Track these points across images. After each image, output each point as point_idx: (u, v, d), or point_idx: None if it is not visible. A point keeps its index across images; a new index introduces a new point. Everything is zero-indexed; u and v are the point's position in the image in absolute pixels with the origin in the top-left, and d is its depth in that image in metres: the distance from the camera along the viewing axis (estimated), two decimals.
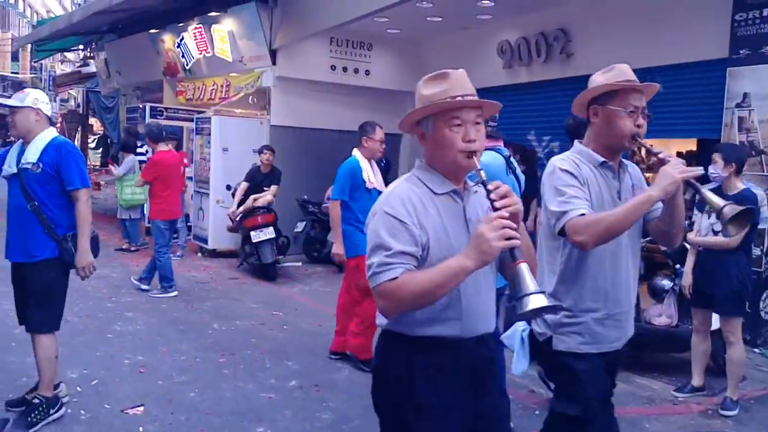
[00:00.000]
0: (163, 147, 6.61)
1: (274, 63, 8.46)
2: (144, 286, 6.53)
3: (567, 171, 2.08)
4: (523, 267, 1.54)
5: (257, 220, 7.47)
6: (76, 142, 22.27)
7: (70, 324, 4.99)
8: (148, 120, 10.29)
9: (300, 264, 8.53)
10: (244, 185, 7.72)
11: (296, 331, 5.52)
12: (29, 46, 17.73)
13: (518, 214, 1.60)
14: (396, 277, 1.59)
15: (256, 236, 7.40)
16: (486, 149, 3.50)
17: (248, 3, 8.34)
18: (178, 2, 9.27)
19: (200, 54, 9.74)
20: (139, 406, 3.67)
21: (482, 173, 1.64)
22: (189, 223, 9.11)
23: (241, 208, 7.60)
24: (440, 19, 7.60)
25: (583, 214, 1.98)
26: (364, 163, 4.55)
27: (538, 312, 1.54)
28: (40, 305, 3.29)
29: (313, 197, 8.39)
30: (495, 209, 1.57)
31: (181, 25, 9.90)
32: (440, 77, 1.69)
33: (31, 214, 3.26)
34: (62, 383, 3.61)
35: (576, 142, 2.22)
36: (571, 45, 6.81)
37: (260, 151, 7.72)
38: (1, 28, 29.68)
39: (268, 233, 7.44)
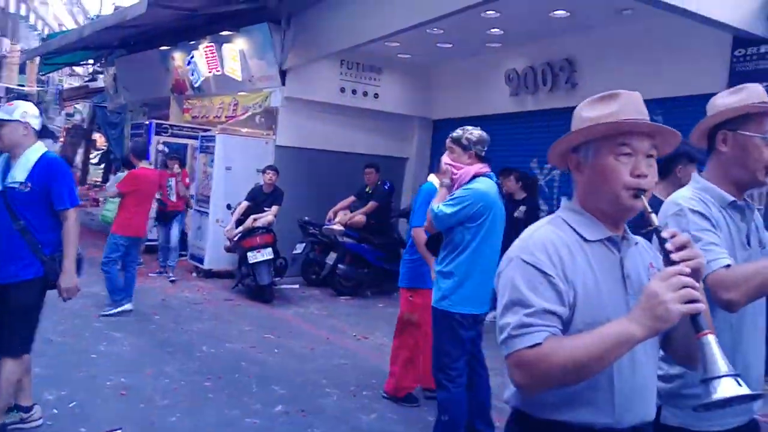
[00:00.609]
0: (145, 164, 6.63)
1: (283, 83, 8.44)
2: (126, 306, 6.30)
3: (699, 213, 1.73)
4: (711, 339, 1.24)
5: (256, 241, 7.35)
6: (78, 158, 22.35)
7: (53, 344, 4.87)
8: (153, 137, 10.32)
9: (297, 286, 8.39)
10: (244, 204, 7.63)
11: (287, 355, 5.35)
12: (37, 58, 17.85)
13: (701, 269, 1.30)
14: (539, 343, 1.28)
15: (254, 257, 7.27)
16: (479, 175, 3.44)
17: (260, 23, 8.37)
18: (191, 20, 9.30)
19: (210, 72, 9.75)
20: (117, 429, 3.51)
21: (653, 217, 1.36)
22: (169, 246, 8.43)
23: (240, 228, 7.50)
24: (450, 45, 7.60)
25: (728, 265, 1.63)
26: None
27: (732, 402, 1.22)
28: (19, 327, 3.15)
29: (315, 219, 8.29)
30: (671, 263, 1.27)
31: (192, 43, 9.94)
32: (609, 97, 1.44)
33: (18, 233, 3.12)
34: (36, 405, 3.45)
35: (697, 176, 1.89)
36: (576, 75, 6.82)
37: (263, 171, 7.67)
38: (11, 39, 30.04)
39: (266, 254, 7.31)
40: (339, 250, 7.91)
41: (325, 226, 7.89)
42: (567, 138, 1.45)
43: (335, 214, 8.05)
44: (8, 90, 28.63)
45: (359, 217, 7.88)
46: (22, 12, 32.44)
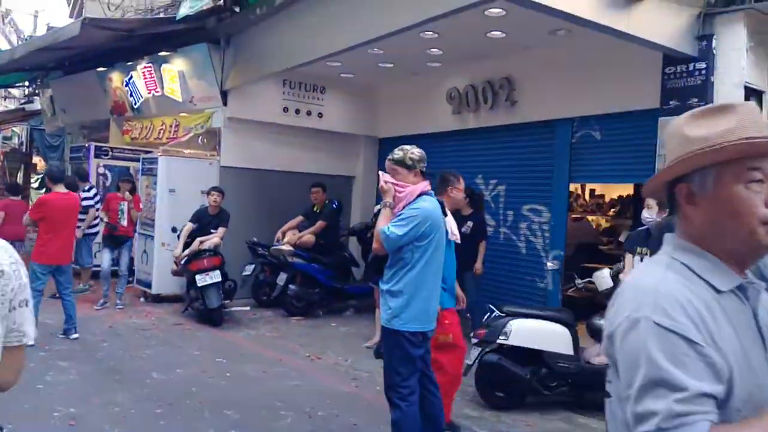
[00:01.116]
0: (60, 189, 6.18)
1: (225, 104, 8.40)
2: (73, 336, 6.19)
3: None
4: None
5: (203, 264, 7.26)
6: (18, 181, 21.46)
7: None
8: (93, 160, 10.05)
9: (248, 308, 8.30)
10: (190, 226, 7.55)
11: (239, 378, 5.31)
12: None
13: None
14: None
15: (202, 280, 7.18)
16: (424, 193, 3.53)
17: (199, 44, 8.32)
18: (128, 41, 9.14)
19: (149, 93, 9.59)
20: None
21: None
22: (118, 271, 8.15)
23: (187, 251, 7.40)
24: (391, 65, 7.75)
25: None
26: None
27: None
28: None
29: (263, 239, 8.25)
30: None
31: (130, 63, 9.76)
32: (721, 111, 1.16)
33: None
34: None
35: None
36: (515, 93, 7.03)
37: (208, 192, 7.61)
38: None
39: (215, 277, 7.23)
40: (289, 271, 7.89)
41: (274, 247, 7.87)
42: (679, 165, 1.16)
43: (284, 234, 8.04)
44: None
45: (308, 236, 7.89)
46: None
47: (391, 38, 5.68)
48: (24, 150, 22.48)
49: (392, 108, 9.07)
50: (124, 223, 7.93)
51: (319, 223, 7.98)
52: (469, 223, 6.32)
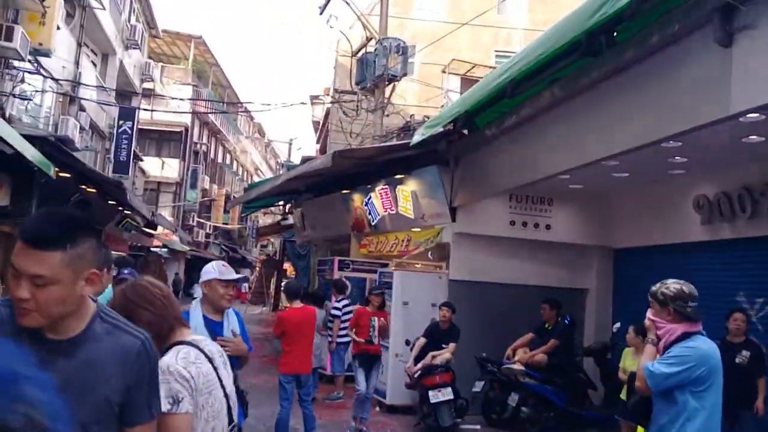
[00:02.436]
0: (296, 304, 6.57)
1: (453, 220, 8.72)
2: None
3: None
4: None
5: (435, 380, 7.32)
6: (272, 285, 24.62)
7: None
8: (336, 272, 11.05)
9: (479, 427, 8.05)
10: (422, 341, 7.72)
11: None
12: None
13: None
14: None
15: (434, 396, 7.22)
16: (689, 334, 3.11)
17: (430, 166, 8.89)
18: (367, 167, 10.18)
19: (385, 211, 10.42)
20: None
21: None
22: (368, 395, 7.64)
23: (419, 365, 7.55)
24: (627, 174, 7.36)
25: None
26: None
27: None
28: None
29: (492, 355, 8.08)
30: None
31: (369, 186, 10.80)
32: None
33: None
34: None
35: None
36: None
37: (440, 307, 7.79)
38: (218, 185, 35.00)
39: (447, 394, 7.23)
40: (521, 391, 7.55)
41: (505, 365, 7.64)
42: None
43: (514, 351, 7.80)
44: (215, 228, 33.10)
45: (540, 356, 7.54)
46: (227, 161, 37.85)
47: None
48: (277, 258, 25.92)
49: (628, 217, 8.53)
50: (376, 340, 7.53)
51: (551, 342, 7.60)
52: (745, 353, 5.40)
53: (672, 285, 3.20)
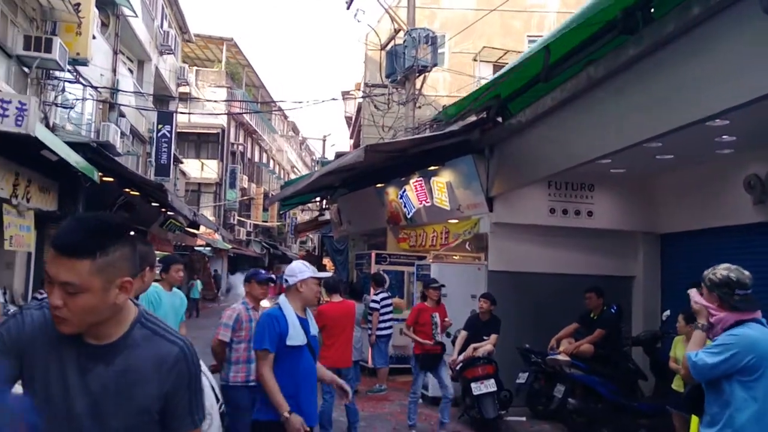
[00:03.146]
0: (335, 298, 6.65)
1: (491, 210, 8.56)
2: None
3: None
4: None
5: (477, 371, 7.23)
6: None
7: None
8: (373, 265, 11.04)
9: (524, 419, 7.92)
10: (464, 334, 7.62)
11: None
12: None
13: None
14: None
15: (477, 389, 7.13)
16: (741, 322, 2.92)
17: (465, 156, 8.74)
18: (400, 160, 10.09)
19: (420, 204, 10.32)
20: None
21: None
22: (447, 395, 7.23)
23: (461, 357, 7.46)
24: (671, 156, 7.07)
25: None
26: None
27: None
28: None
29: (535, 346, 7.92)
30: None
31: (403, 179, 10.71)
32: None
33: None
34: None
35: None
36: None
37: (479, 299, 7.67)
38: (256, 184, 35.48)
39: (490, 386, 7.13)
40: (567, 382, 7.37)
41: (549, 356, 7.47)
42: None
43: (558, 341, 7.62)
44: (255, 225, 33.60)
45: (586, 346, 7.33)
46: (264, 160, 38.29)
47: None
48: (316, 253, 26.12)
49: (673, 200, 8.19)
50: (439, 337, 7.14)
51: (598, 332, 7.37)
52: None
53: (720, 271, 3.01)
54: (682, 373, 3.13)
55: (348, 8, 13.72)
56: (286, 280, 3.69)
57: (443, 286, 7.49)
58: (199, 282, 22.04)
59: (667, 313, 6.85)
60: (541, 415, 7.89)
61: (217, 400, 2.71)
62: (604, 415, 7.27)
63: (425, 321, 7.13)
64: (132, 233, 1.69)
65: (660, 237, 8.70)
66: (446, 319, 7.35)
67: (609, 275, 8.55)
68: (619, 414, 7.30)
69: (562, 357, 7.32)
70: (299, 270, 3.68)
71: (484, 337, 7.49)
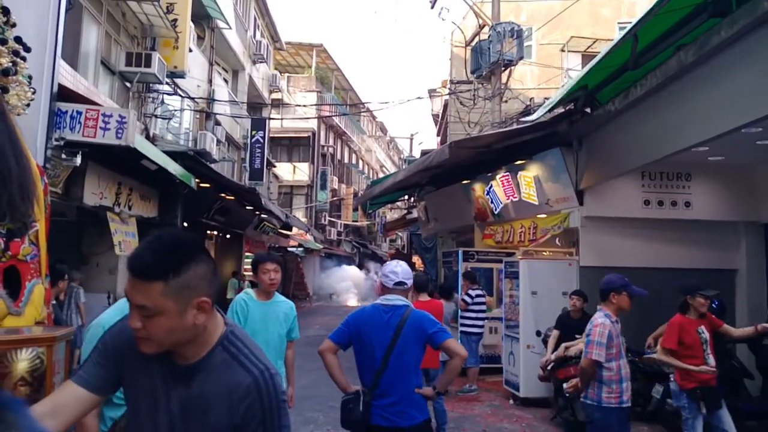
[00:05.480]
0: (423, 297, 6.65)
1: (581, 203, 8.33)
2: None
3: None
4: None
5: (570, 372, 7.04)
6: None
7: None
8: (462, 263, 11.02)
9: None
10: (556, 333, 7.49)
11: None
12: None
13: None
14: None
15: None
16: None
17: (552, 149, 8.56)
18: (486, 155, 10.01)
19: (507, 199, 10.20)
20: None
21: None
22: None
23: (553, 356, 7.32)
24: None
25: None
26: None
27: None
28: None
29: (631, 345, 7.60)
30: None
31: (489, 174, 10.62)
32: None
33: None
34: None
35: None
36: None
37: (570, 296, 7.50)
38: (345, 184, 36.30)
39: None
40: (665, 382, 7.04)
41: (646, 355, 7.18)
42: None
43: (655, 340, 7.28)
44: (346, 225, 34.42)
45: None
46: (353, 161, 39.11)
47: None
48: (405, 251, 26.37)
49: None
50: (711, 360, 5.38)
51: None
52: None
53: None
54: None
55: (432, 7, 13.78)
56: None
57: (716, 294, 5.65)
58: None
59: None
60: (639, 417, 7.56)
61: None
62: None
63: (693, 341, 5.21)
64: (206, 252, 1.66)
65: (764, 227, 8.12)
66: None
67: (709, 268, 8.07)
68: None
69: (659, 356, 7.00)
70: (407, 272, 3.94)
71: (576, 336, 7.31)
